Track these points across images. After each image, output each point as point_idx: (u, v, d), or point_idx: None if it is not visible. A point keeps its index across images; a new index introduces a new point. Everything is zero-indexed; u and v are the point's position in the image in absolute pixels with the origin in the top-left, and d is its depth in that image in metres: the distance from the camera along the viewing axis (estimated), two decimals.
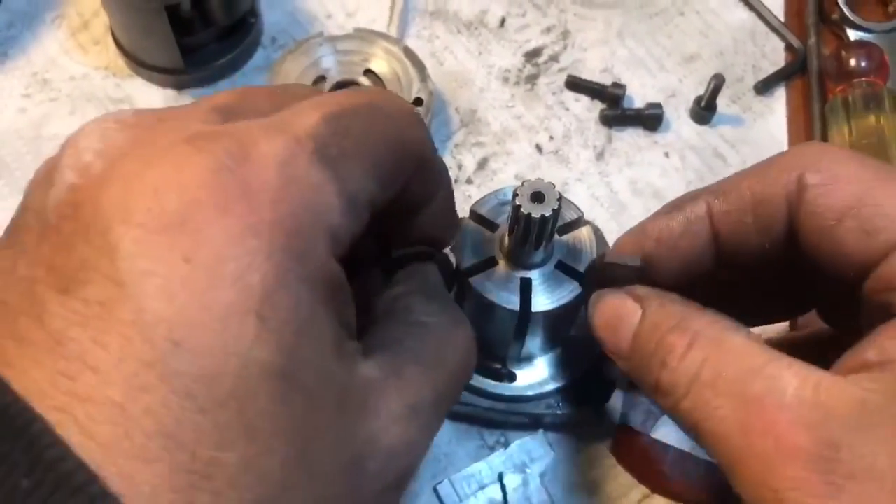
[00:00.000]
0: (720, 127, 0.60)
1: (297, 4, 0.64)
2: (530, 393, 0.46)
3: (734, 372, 0.29)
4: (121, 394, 0.21)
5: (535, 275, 0.41)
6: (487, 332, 0.43)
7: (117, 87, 0.60)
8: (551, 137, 0.59)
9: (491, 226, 0.42)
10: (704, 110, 0.59)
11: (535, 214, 0.37)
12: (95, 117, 0.27)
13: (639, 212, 0.56)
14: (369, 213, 0.27)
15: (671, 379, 0.30)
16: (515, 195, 0.37)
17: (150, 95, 0.60)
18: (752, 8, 0.64)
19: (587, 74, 0.61)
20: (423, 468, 0.48)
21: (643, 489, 0.47)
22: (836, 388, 0.27)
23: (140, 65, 0.59)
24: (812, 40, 0.61)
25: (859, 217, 0.30)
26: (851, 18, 0.61)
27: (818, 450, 0.26)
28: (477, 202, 0.43)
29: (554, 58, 0.62)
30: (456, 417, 0.49)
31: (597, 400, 0.47)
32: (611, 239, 0.46)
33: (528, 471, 0.47)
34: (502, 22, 0.64)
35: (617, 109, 0.60)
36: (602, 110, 0.60)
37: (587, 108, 0.60)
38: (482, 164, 0.58)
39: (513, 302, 0.40)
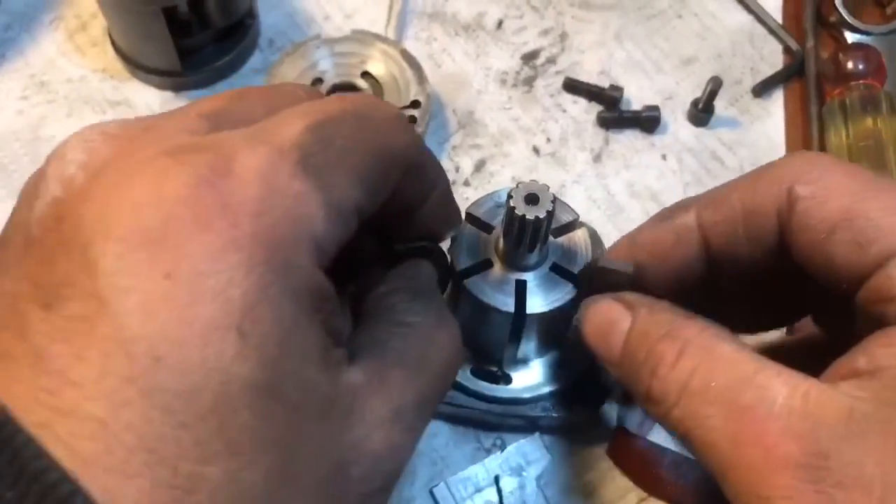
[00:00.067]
0: (718, 129, 0.60)
1: (294, 6, 0.64)
2: (526, 395, 0.46)
3: (724, 381, 0.29)
4: (102, 409, 0.21)
5: (530, 277, 0.41)
6: (483, 333, 0.43)
7: (115, 90, 0.60)
8: (548, 139, 0.59)
9: (487, 228, 0.42)
10: (702, 113, 0.59)
11: (530, 216, 0.37)
12: (82, 128, 0.27)
13: (636, 214, 0.56)
14: (356, 221, 0.27)
15: (662, 388, 0.30)
16: (510, 197, 0.37)
17: (148, 97, 0.60)
18: (749, 11, 0.64)
19: (584, 77, 0.61)
20: (420, 471, 0.48)
21: (640, 492, 0.47)
22: (825, 396, 0.27)
23: (137, 67, 0.59)
24: (810, 43, 0.61)
25: (851, 229, 0.30)
26: (849, 21, 0.61)
27: (807, 459, 0.26)
28: (473, 204, 0.43)
29: (551, 60, 0.62)
30: (452, 420, 0.49)
31: (593, 403, 0.47)
32: (607, 241, 0.46)
33: (524, 473, 0.47)
34: (500, 24, 0.64)
35: (614, 112, 0.60)
36: (599, 112, 0.60)
37: (584, 111, 0.60)
38: (479, 167, 0.58)
39: (508, 304, 0.40)
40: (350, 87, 0.58)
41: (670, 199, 0.57)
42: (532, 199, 0.37)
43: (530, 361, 0.46)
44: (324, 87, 0.58)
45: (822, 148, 0.57)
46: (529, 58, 0.62)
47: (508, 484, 0.47)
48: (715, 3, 0.65)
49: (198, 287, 0.22)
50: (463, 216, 0.41)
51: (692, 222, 0.34)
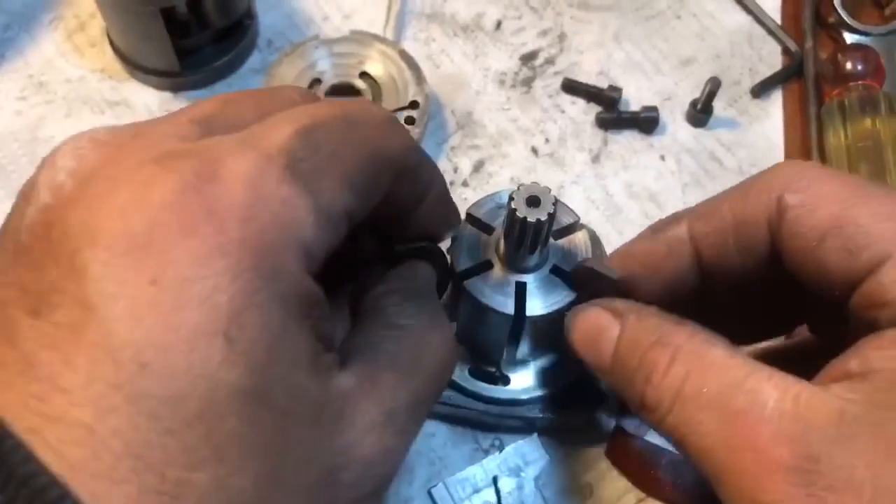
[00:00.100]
0: (716, 130, 0.60)
1: (293, 6, 0.64)
2: (524, 396, 0.46)
3: (716, 386, 0.29)
4: (89, 415, 0.22)
5: (530, 279, 0.41)
6: (482, 334, 0.43)
7: (113, 90, 0.60)
8: (547, 140, 0.59)
9: (487, 229, 0.42)
10: (700, 113, 0.59)
11: (531, 218, 0.37)
12: (74, 134, 0.27)
13: (634, 215, 0.56)
14: (347, 225, 0.27)
15: (655, 395, 0.30)
16: (511, 199, 0.37)
17: (146, 98, 0.60)
18: (748, 11, 0.65)
19: (583, 77, 0.61)
20: (418, 471, 0.48)
21: (638, 493, 0.47)
22: (816, 399, 0.27)
23: (136, 67, 0.59)
24: (809, 44, 0.61)
25: (841, 236, 0.30)
26: (848, 22, 0.61)
27: (798, 463, 0.26)
28: (473, 205, 0.43)
29: (550, 61, 0.62)
30: (450, 420, 0.49)
31: (591, 405, 0.47)
32: (606, 242, 0.46)
33: (522, 474, 0.47)
34: (498, 25, 0.64)
35: (613, 112, 0.60)
36: (598, 113, 0.60)
37: (583, 111, 0.60)
38: (478, 167, 0.58)
39: (507, 306, 0.40)
40: (348, 88, 0.58)
41: (669, 199, 0.57)
42: (534, 202, 0.37)
43: (529, 363, 0.46)
44: (322, 88, 0.58)
45: (821, 148, 0.58)
46: (528, 58, 0.62)
47: (507, 484, 0.47)
48: (713, 4, 0.65)
49: (183, 293, 0.23)
50: (462, 217, 0.41)
51: (684, 234, 0.34)
